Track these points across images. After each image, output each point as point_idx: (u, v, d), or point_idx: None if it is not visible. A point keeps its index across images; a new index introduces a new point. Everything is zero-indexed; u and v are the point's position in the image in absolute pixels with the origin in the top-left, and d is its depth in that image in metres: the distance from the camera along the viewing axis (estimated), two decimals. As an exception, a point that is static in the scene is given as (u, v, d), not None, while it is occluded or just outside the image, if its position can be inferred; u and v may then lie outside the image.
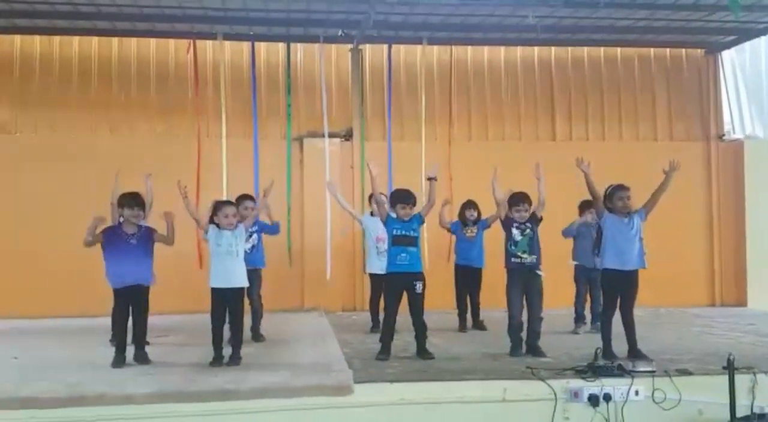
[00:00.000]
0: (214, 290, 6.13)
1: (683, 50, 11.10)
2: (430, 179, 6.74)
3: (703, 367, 5.85)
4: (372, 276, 8.01)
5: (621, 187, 6.59)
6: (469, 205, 8.29)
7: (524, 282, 6.60)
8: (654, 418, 5.41)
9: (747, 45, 10.88)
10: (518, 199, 6.79)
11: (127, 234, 6.17)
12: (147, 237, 6.23)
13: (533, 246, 6.63)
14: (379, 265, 7.62)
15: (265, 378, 5.48)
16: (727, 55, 11.08)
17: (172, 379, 5.50)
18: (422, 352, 6.37)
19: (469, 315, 8.17)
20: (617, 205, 6.51)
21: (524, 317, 6.62)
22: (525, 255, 6.61)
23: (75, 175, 9.64)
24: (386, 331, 6.43)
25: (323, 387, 5.28)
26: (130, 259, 6.11)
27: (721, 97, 11.05)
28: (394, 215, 6.58)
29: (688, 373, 5.69)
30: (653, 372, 5.61)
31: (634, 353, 6.21)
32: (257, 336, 7.30)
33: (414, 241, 6.48)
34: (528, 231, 6.64)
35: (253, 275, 6.81)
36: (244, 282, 6.23)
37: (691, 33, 10.34)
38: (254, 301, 7.31)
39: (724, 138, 10.99)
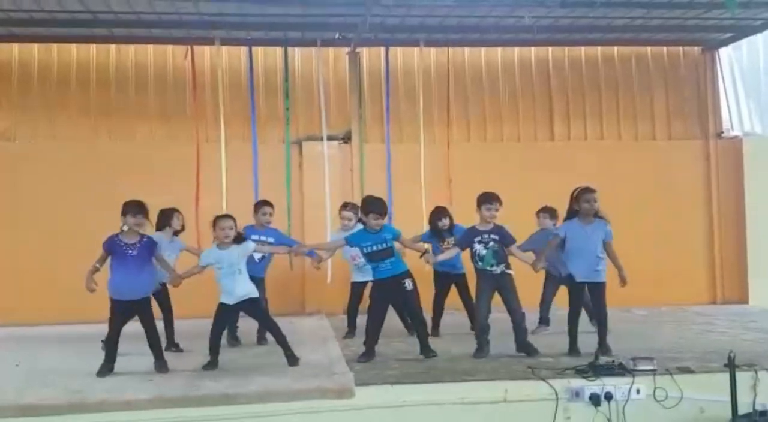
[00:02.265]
0: (223, 304, 6.16)
1: (680, 48, 11.09)
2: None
3: (704, 365, 5.84)
4: (352, 283, 7.88)
5: (588, 190, 6.52)
6: (440, 212, 7.74)
7: (494, 285, 6.46)
8: (655, 417, 5.42)
9: (744, 42, 10.87)
10: (489, 196, 6.49)
11: (126, 244, 5.96)
12: (148, 249, 6.03)
13: (499, 256, 6.43)
14: (358, 275, 7.64)
15: (266, 382, 5.48)
16: (725, 53, 11.08)
17: (172, 385, 5.50)
18: (425, 350, 6.35)
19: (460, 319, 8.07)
20: (584, 207, 6.46)
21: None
22: (493, 268, 6.44)
23: (74, 182, 9.66)
24: (372, 336, 6.37)
25: (325, 390, 5.29)
26: (130, 272, 5.89)
27: (719, 94, 11.03)
28: (360, 226, 6.47)
29: (690, 371, 5.69)
30: (654, 370, 5.61)
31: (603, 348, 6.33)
32: (262, 340, 7.30)
33: (390, 251, 6.34)
34: (491, 243, 6.41)
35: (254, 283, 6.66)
36: (254, 293, 6.23)
37: (688, 31, 10.35)
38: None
39: (722, 135, 10.98)
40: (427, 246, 7.54)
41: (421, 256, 6.55)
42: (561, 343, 6.65)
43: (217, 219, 6.26)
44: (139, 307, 6.02)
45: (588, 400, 5.38)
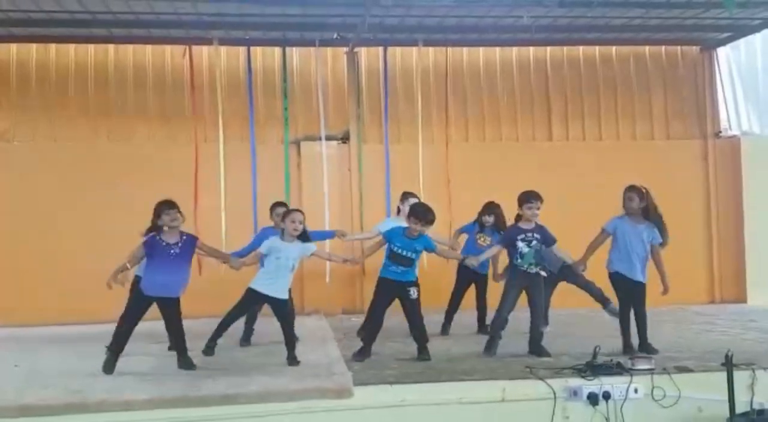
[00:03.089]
0: (252, 291, 6.17)
1: (679, 48, 11.10)
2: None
3: (702, 364, 5.86)
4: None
5: (631, 188, 6.59)
6: (489, 208, 7.75)
7: (525, 284, 6.52)
8: (653, 416, 5.43)
9: (742, 41, 10.89)
10: (531, 195, 6.51)
11: (168, 244, 5.91)
12: (189, 246, 5.99)
13: (539, 256, 6.51)
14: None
15: (265, 382, 5.49)
16: (723, 52, 11.10)
17: (172, 385, 5.50)
18: (420, 353, 6.38)
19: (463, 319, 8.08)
20: (626, 205, 6.52)
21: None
22: (530, 267, 6.50)
23: (73, 182, 9.67)
24: (370, 334, 6.41)
25: (323, 390, 5.29)
26: (170, 271, 5.88)
27: (717, 94, 11.05)
28: (404, 225, 6.51)
29: (688, 370, 5.71)
30: (652, 369, 5.63)
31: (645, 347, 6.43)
32: (245, 341, 7.28)
33: (411, 262, 6.36)
34: (534, 242, 6.46)
35: None
36: (285, 295, 6.28)
37: (686, 30, 10.35)
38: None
39: (720, 135, 11.00)
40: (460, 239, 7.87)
41: (462, 261, 6.66)
42: (557, 343, 6.66)
43: (289, 212, 6.36)
44: (170, 304, 6.01)
45: (586, 399, 5.39)
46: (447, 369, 5.93)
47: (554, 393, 5.40)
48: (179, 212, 6.01)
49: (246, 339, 7.28)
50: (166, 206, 5.96)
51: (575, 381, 5.49)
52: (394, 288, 6.38)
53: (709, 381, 5.54)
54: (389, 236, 6.50)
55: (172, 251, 5.91)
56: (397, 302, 6.47)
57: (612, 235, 6.60)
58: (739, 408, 5.37)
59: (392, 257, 6.40)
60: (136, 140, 10.10)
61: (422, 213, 6.35)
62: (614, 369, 5.62)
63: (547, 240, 6.54)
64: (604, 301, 7.48)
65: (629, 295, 6.61)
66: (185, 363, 6.04)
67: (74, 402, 5.05)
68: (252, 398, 5.17)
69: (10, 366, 6.44)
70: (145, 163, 9.78)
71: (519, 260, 6.48)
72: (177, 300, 6.09)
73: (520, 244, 6.47)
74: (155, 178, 9.47)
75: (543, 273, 6.60)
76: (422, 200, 9.67)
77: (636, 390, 5.43)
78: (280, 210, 7.39)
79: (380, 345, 6.70)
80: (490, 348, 6.48)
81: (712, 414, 5.44)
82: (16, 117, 9.99)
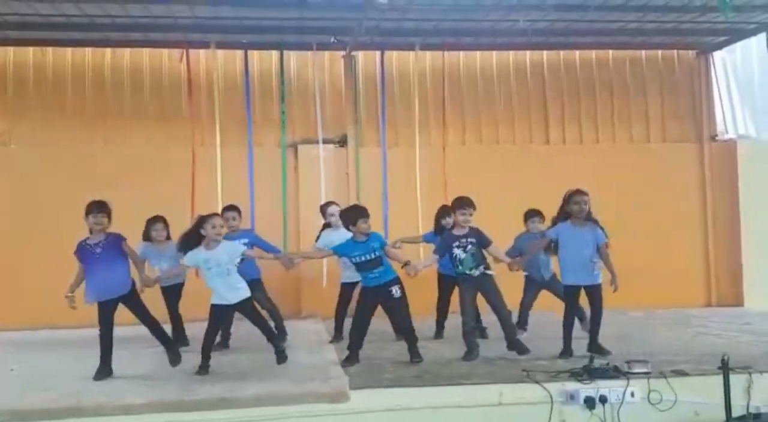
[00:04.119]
0: (216, 306, 6.10)
1: (675, 52, 11.13)
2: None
3: (699, 368, 5.87)
4: (342, 284, 7.80)
5: (579, 192, 6.55)
6: (445, 211, 7.60)
7: (476, 287, 6.55)
8: (650, 420, 5.43)
9: (738, 45, 10.92)
10: (463, 202, 6.56)
11: (90, 245, 5.97)
12: (112, 245, 5.99)
13: (478, 259, 6.51)
14: (348, 275, 7.50)
15: (261, 386, 5.49)
16: (719, 56, 11.13)
17: (169, 389, 5.50)
18: (413, 354, 6.38)
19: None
20: (574, 209, 6.49)
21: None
22: (472, 271, 6.51)
23: (70, 186, 9.62)
24: (355, 341, 6.38)
25: (320, 394, 5.30)
26: (99, 271, 5.91)
27: (714, 97, 11.08)
28: (349, 235, 6.45)
29: (684, 374, 5.71)
30: (649, 373, 5.63)
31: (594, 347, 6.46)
32: (224, 345, 7.22)
33: (379, 261, 6.34)
34: (469, 247, 6.47)
35: (252, 285, 6.57)
36: (246, 293, 6.18)
37: (683, 34, 10.38)
38: (265, 305, 7.31)
39: (717, 138, 11.03)
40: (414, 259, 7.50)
41: (402, 267, 6.50)
42: (555, 347, 6.67)
43: (206, 217, 6.07)
44: (128, 303, 6.01)
45: (583, 403, 5.38)
46: (443, 373, 5.93)
47: (551, 397, 5.41)
48: (107, 217, 6.00)
49: (223, 343, 7.18)
50: (96, 208, 5.98)
51: (572, 385, 5.49)
52: (377, 293, 6.37)
53: (706, 385, 5.56)
54: (342, 251, 6.49)
55: (95, 251, 5.94)
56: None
57: (560, 243, 6.56)
58: (736, 412, 5.40)
59: (360, 268, 6.39)
60: (133, 143, 10.08)
61: (363, 210, 6.42)
62: (611, 372, 5.63)
63: (483, 242, 6.55)
64: (582, 317, 7.47)
65: (585, 299, 6.61)
66: (170, 357, 6.05)
67: (71, 406, 5.05)
68: (248, 402, 5.17)
69: (5, 371, 6.43)
70: (141, 165, 9.77)
71: (459, 267, 6.52)
72: (131, 297, 6.03)
73: (457, 251, 6.50)
74: (152, 181, 9.49)
75: (489, 272, 6.57)
76: (418, 203, 9.81)
77: (632, 394, 5.43)
78: (231, 214, 7.35)
79: (376, 349, 6.72)
80: (470, 354, 6.48)
81: (708, 418, 5.45)
82: (13, 120, 9.97)
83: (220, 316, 6.21)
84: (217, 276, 6.03)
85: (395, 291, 6.35)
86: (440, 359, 6.51)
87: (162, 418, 5.00)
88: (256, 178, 10.07)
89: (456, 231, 6.60)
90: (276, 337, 6.25)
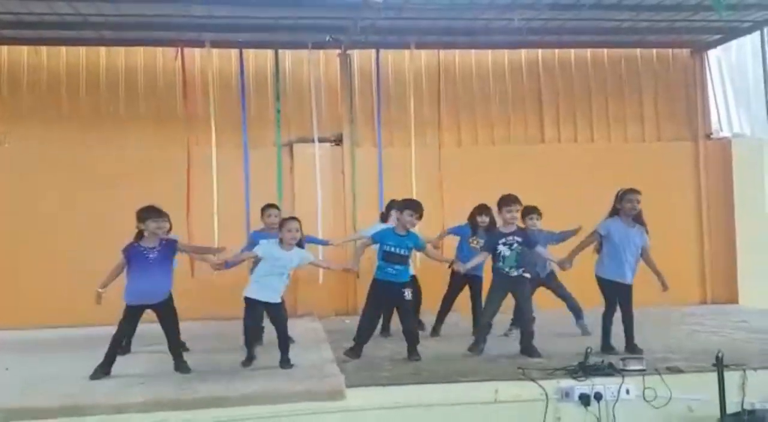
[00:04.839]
0: (251, 299, 6.14)
1: (670, 50, 11.16)
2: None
3: (693, 365, 5.89)
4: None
5: (633, 190, 6.61)
6: (483, 209, 7.67)
7: (508, 287, 6.57)
8: (645, 416, 5.46)
9: (733, 44, 10.95)
10: (510, 199, 6.59)
11: (146, 248, 5.97)
12: (168, 250, 6.04)
13: (521, 259, 6.54)
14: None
15: (257, 384, 5.49)
16: (714, 54, 11.16)
17: (165, 388, 5.49)
18: (410, 354, 6.41)
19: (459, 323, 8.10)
20: (626, 207, 6.54)
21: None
22: (511, 270, 6.54)
23: (65, 185, 9.64)
24: (362, 334, 6.43)
25: (315, 392, 5.31)
26: (149, 277, 5.92)
27: (708, 96, 11.11)
28: (392, 225, 6.53)
29: (679, 371, 5.74)
30: (644, 370, 5.65)
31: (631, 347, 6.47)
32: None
33: (404, 260, 6.43)
34: (515, 245, 6.51)
35: None
36: (278, 298, 6.25)
37: (677, 33, 10.40)
38: None
39: (711, 137, 11.05)
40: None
41: (449, 266, 6.62)
42: (550, 344, 6.70)
43: (285, 221, 6.27)
44: (158, 309, 6.03)
45: (578, 400, 5.41)
46: (440, 371, 5.94)
47: (546, 394, 5.42)
48: (167, 221, 6.08)
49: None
50: (155, 213, 6.00)
51: (567, 382, 5.51)
52: (390, 290, 6.42)
53: (700, 382, 5.58)
54: (380, 237, 6.53)
55: (149, 256, 5.94)
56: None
57: (605, 238, 6.61)
58: (730, 409, 5.41)
59: (387, 257, 6.43)
60: (128, 143, 10.04)
61: (417, 206, 6.49)
62: (606, 370, 5.64)
63: (530, 242, 6.59)
64: (578, 314, 7.60)
65: (617, 298, 6.64)
66: (181, 366, 6.05)
67: (67, 406, 5.03)
68: (245, 400, 5.17)
69: (1, 370, 6.41)
70: (136, 165, 9.76)
71: (500, 263, 6.54)
72: (166, 305, 6.08)
73: (501, 248, 6.53)
74: (147, 181, 9.45)
75: (526, 275, 6.63)
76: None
77: (627, 391, 5.45)
78: (272, 211, 7.43)
79: (373, 347, 6.71)
80: (476, 347, 6.52)
81: (703, 414, 5.48)
82: (7, 119, 9.94)
83: (258, 311, 6.23)
84: (275, 275, 6.12)
85: (407, 293, 6.42)
86: (436, 356, 6.51)
87: (159, 417, 4.99)
88: (252, 177, 10.06)
89: (503, 229, 6.63)
90: (288, 349, 6.21)
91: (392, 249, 6.40)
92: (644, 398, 5.48)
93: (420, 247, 6.57)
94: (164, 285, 6.06)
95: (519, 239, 6.53)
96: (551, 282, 7.65)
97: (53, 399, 5.18)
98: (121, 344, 6.14)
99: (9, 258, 9.48)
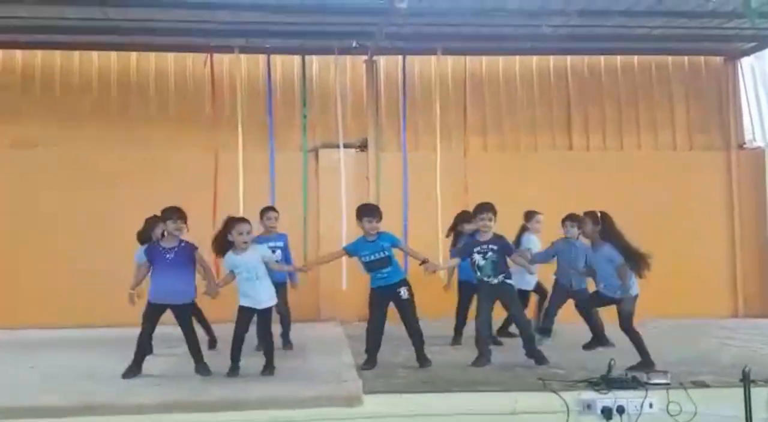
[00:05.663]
0: (244, 308, 6.12)
1: (702, 58, 10.98)
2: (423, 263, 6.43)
3: (720, 379, 5.73)
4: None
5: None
6: (464, 216, 7.55)
7: (493, 295, 6.46)
8: (668, 431, 5.32)
9: (767, 52, 10.72)
10: (483, 207, 6.48)
11: (164, 248, 6.08)
12: (185, 253, 6.07)
13: (498, 266, 6.42)
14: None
15: (274, 389, 5.48)
16: (747, 62, 10.95)
17: (180, 389, 5.51)
18: (420, 359, 6.33)
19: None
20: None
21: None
22: (490, 278, 6.44)
23: (92, 188, 9.75)
24: (371, 343, 6.35)
25: (332, 397, 5.26)
26: (167, 276, 6.01)
27: (741, 104, 10.89)
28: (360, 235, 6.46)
29: (705, 385, 5.58)
30: (668, 384, 5.51)
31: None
32: (287, 343, 7.36)
33: (386, 261, 6.31)
34: (490, 254, 6.40)
35: (276, 288, 6.49)
36: (272, 301, 6.22)
37: (710, 40, 10.23)
38: (281, 309, 7.27)
39: (745, 146, 10.83)
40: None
41: (420, 264, 6.45)
42: (573, 356, 6.59)
43: (233, 222, 6.11)
44: (177, 312, 6.08)
45: (600, 413, 5.27)
46: (458, 379, 5.86)
47: (567, 406, 5.31)
48: (184, 222, 6.07)
49: (287, 343, 7.36)
50: (174, 214, 6.05)
51: (589, 395, 5.38)
52: (385, 293, 6.35)
53: (726, 397, 5.41)
54: (353, 250, 6.47)
55: (167, 255, 6.03)
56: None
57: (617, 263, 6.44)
58: (757, 425, 5.25)
59: (368, 267, 6.38)
60: (156, 147, 10.13)
61: (371, 211, 6.37)
62: (629, 383, 5.51)
63: (506, 250, 6.48)
64: (601, 340, 7.21)
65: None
66: (201, 369, 6.07)
67: (83, 405, 5.07)
68: (261, 404, 5.15)
69: (23, 368, 6.49)
70: (164, 169, 9.85)
71: (478, 273, 6.46)
72: (182, 308, 6.11)
73: (476, 257, 6.44)
74: (174, 185, 9.50)
75: (508, 281, 6.49)
76: (438, 209, 9.74)
77: (651, 405, 5.30)
78: (271, 214, 7.45)
79: (391, 354, 6.67)
80: (481, 360, 6.39)
81: (729, 430, 5.33)
82: (39, 123, 10.10)
83: (248, 319, 6.18)
84: (248, 281, 6.06)
85: (403, 292, 6.33)
86: (455, 364, 6.44)
87: (172, 418, 5.00)
88: (277, 181, 10.10)
89: (479, 237, 6.54)
90: (272, 358, 6.13)
91: (369, 257, 6.32)
92: (668, 412, 5.33)
93: (396, 244, 6.42)
94: (182, 286, 6.07)
95: (494, 247, 6.41)
96: (579, 295, 7.38)
97: (69, 398, 5.21)
98: (147, 342, 6.17)
99: (9, 258, 9.60)
